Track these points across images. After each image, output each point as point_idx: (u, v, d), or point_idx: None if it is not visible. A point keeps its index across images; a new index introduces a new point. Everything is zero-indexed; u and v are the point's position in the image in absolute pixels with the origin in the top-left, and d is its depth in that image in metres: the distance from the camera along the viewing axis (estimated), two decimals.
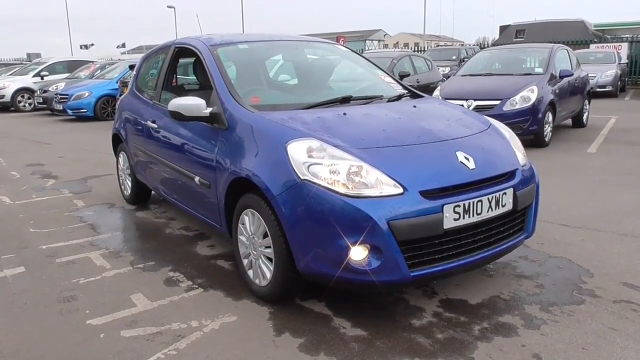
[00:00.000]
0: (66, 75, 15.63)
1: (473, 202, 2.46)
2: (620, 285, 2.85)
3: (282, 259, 2.55)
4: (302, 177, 2.40)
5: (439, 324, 2.51)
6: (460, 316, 2.57)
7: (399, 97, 3.48)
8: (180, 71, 4.48)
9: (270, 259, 2.67)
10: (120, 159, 4.82)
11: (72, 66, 16.43)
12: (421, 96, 3.56)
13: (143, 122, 4.04)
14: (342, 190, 2.32)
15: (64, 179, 6.01)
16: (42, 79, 15.38)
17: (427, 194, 2.37)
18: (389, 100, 3.37)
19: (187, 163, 3.33)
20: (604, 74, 13.72)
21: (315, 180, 2.37)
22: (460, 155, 2.58)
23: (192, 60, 4.06)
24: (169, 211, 4.54)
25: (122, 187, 4.90)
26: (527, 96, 6.90)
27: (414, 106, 3.18)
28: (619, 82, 14.47)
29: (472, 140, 2.78)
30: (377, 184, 2.34)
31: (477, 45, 21.78)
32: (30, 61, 23.21)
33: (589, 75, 9.60)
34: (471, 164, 2.56)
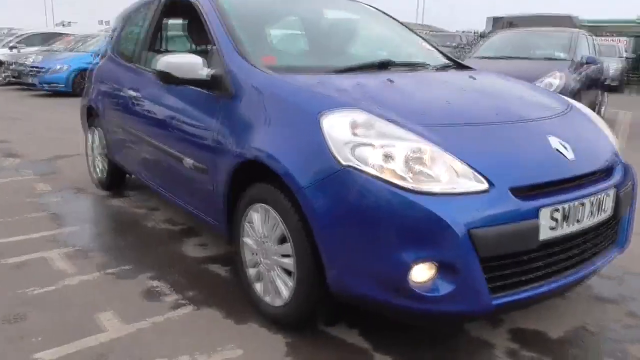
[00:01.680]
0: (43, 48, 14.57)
1: (574, 205, 1.79)
2: None
3: (308, 272, 1.86)
4: (344, 163, 1.70)
5: None
6: (544, 357, 1.92)
7: (445, 67, 2.79)
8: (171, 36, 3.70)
9: (288, 272, 1.98)
10: (92, 137, 4.04)
11: (49, 39, 15.34)
12: (470, 68, 2.87)
13: (122, 91, 3.28)
14: (402, 182, 1.63)
15: (29, 158, 5.19)
16: (18, 51, 14.29)
17: (519, 193, 1.70)
18: (437, 70, 2.68)
19: (177, 141, 2.60)
20: (610, 67, 13.20)
21: (363, 167, 1.67)
22: (554, 141, 1.90)
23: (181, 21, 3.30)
24: (151, 199, 3.80)
25: (92, 169, 4.12)
26: (550, 82, 6.27)
27: (472, 77, 2.50)
28: (625, 77, 14.00)
29: (560, 122, 2.11)
30: (451, 175, 1.66)
31: (475, 33, 21.28)
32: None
33: None
34: (570, 154, 1.89)
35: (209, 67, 2.31)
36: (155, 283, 2.48)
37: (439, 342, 2.00)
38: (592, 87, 7.64)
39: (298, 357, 1.90)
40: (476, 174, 1.67)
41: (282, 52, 2.77)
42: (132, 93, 3.09)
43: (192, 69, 2.26)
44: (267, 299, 2.12)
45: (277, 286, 2.04)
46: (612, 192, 1.97)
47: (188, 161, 2.48)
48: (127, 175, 3.95)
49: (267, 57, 2.42)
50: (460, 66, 2.88)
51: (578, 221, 1.82)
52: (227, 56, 2.30)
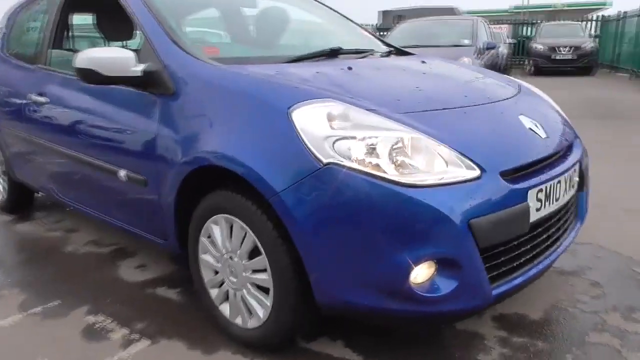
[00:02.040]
0: None
1: (553, 184, 1.76)
2: None
3: (288, 286, 1.66)
4: (324, 160, 1.51)
5: (516, 356, 1.79)
6: (535, 341, 1.88)
7: (389, 54, 2.69)
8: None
9: (263, 289, 1.75)
10: None
11: None
12: (411, 53, 2.80)
13: (24, 97, 2.79)
14: (391, 176, 1.48)
15: None
16: None
17: (508, 176, 1.62)
18: (383, 56, 2.57)
19: (105, 151, 2.24)
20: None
21: (347, 163, 1.50)
22: (526, 121, 1.86)
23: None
24: (65, 219, 3.32)
25: None
26: None
27: (424, 62, 2.41)
28: (509, 62, 15.10)
29: (522, 102, 2.08)
30: (441, 164, 1.54)
31: (372, 26, 21.93)
32: None
33: None
34: (542, 132, 1.86)
35: (140, 62, 1.99)
36: (94, 318, 2.12)
37: (430, 341, 1.89)
38: (494, 69, 8.10)
39: None
40: (466, 160, 1.56)
41: (224, 43, 2.49)
42: (38, 98, 2.63)
43: (123, 65, 1.93)
44: (238, 321, 1.88)
45: (251, 305, 1.81)
46: (577, 167, 1.98)
47: (121, 173, 2.14)
48: (36, 194, 3.43)
49: (209, 48, 2.16)
50: (401, 52, 2.80)
51: (557, 199, 1.80)
52: (162, 48, 1.99)
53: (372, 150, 1.52)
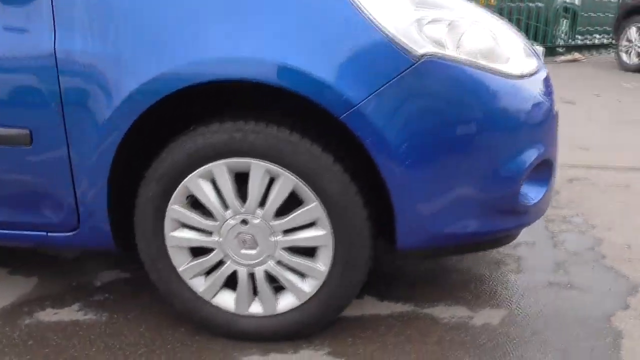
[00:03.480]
0: None
1: None
2: None
3: (360, 237, 1.21)
4: (419, 51, 1.11)
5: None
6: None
7: None
8: None
9: (304, 253, 1.24)
10: None
11: None
12: None
13: None
14: (499, 66, 1.20)
15: None
16: None
17: None
18: None
19: None
20: None
21: (446, 52, 1.14)
22: None
23: None
24: None
25: None
26: None
27: None
28: None
29: None
30: (525, 53, 1.33)
31: None
32: None
33: None
34: None
35: None
36: None
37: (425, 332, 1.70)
38: None
39: None
40: (530, 49, 1.39)
41: None
42: None
43: None
44: (256, 309, 1.31)
45: (286, 281, 1.26)
46: None
47: None
48: None
49: None
50: None
51: None
52: None
53: (467, 36, 1.19)
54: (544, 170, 1.32)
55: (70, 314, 1.49)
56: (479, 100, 1.15)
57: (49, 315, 1.49)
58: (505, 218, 1.29)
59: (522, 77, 1.23)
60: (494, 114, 1.17)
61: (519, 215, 1.31)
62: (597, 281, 1.61)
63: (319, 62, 1.09)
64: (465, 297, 1.53)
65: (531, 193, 1.32)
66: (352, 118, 1.10)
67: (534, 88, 1.25)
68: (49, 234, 1.33)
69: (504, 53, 1.25)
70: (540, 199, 1.33)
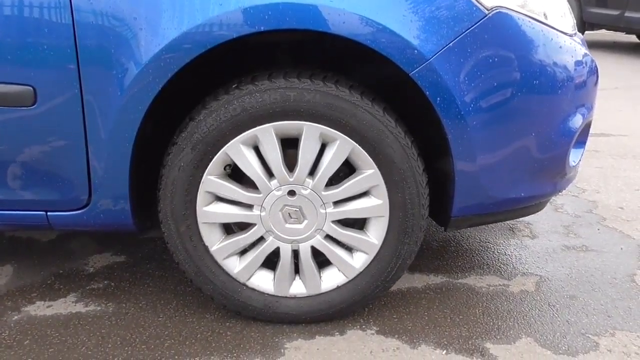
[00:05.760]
0: None
1: None
2: None
3: (417, 206, 1.11)
4: (489, 4, 1.03)
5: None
6: None
7: None
8: None
9: (351, 225, 1.14)
10: None
11: None
12: None
13: None
14: (558, 26, 1.16)
15: None
16: None
17: None
18: None
19: None
20: None
21: (515, 7, 1.06)
22: None
23: None
24: None
25: None
26: None
27: None
28: None
29: None
30: (566, 9, 1.28)
31: None
32: None
33: None
34: None
35: None
36: None
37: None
38: None
39: None
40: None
41: None
42: None
43: None
44: (298, 290, 1.19)
45: (334, 256, 1.15)
46: None
47: None
48: None
49: None
50: None
51: None
52: None
53: None
54: (584, 132, 1.30)
55: (67, 306, 1.29)
56: (546, 56, 1.09)
57: (41, 308, 1.28)
58: (551, 182, 1.26)
59: (573, 35, 1.20)
60: (559, 70, 1.11)
61: (562, 179, 1.28)
62: (607, 243, 1.64)
63: (390, 13, 0.97)
64: (492, 265, 1.51)
65: (573, 156, 1.30)
66: (423, 74, 1.00)
67: (582, 46, 1.22)
68: (49, 213, 1.13)
69: (559, 10, 1.20)
70: (578, 161, 1.31)
